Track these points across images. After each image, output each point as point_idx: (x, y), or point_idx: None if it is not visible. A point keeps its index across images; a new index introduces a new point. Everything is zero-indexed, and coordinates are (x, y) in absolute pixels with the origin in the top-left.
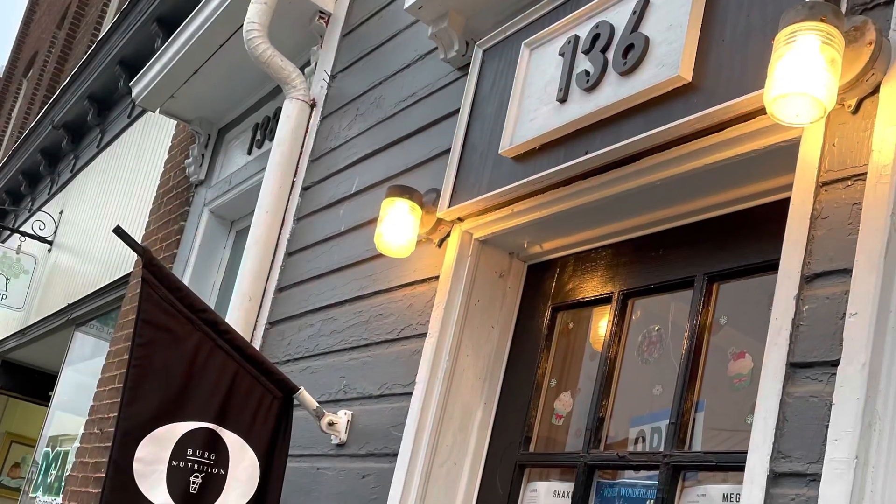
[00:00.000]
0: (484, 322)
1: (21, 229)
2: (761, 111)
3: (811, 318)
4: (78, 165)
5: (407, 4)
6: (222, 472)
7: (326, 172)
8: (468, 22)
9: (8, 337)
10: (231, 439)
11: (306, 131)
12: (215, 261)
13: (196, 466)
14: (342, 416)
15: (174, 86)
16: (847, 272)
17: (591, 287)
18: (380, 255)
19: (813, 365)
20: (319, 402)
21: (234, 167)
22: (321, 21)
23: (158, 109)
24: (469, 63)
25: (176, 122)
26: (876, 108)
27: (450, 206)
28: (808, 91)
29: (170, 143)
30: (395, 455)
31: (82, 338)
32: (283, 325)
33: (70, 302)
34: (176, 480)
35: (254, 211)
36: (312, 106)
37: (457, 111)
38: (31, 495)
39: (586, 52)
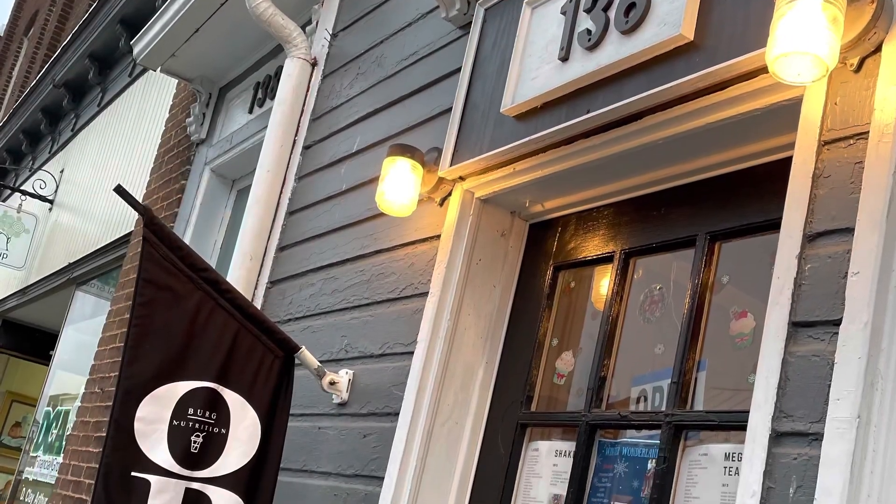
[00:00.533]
0: (485, 281)
1: (22, 188)
2: (763, 70)
3: (813, 277)
4: (79, 124)
5: None
6: (223, 431)
7: (328, 131)
8: None
9: (9, 296)
10: (232, 399)
11: (307, 90)
12: (216, 220)
13: (197, 426)
14: (343, 376)
15: (175, 44)
16: (849, 231)
17: (593, 246)
18: (381, 214)
19: (815, 324)
20: (321, 362)
21: (235, 126)
22: None
23: (159, 68)
24: (471, 22)
25: (177, 80)
26: (878, 66)
27: (451, 165)
28: (810, 50)
29: (171, 102)
30: (397, 414)
31: (83, 297)
32: (285, 285)
33: (71, 261)
34: (177, 439)
35: (255, 170)
36: (314, 65)
37: (458, 70)
38: (31, 454)
39: (588, 11)
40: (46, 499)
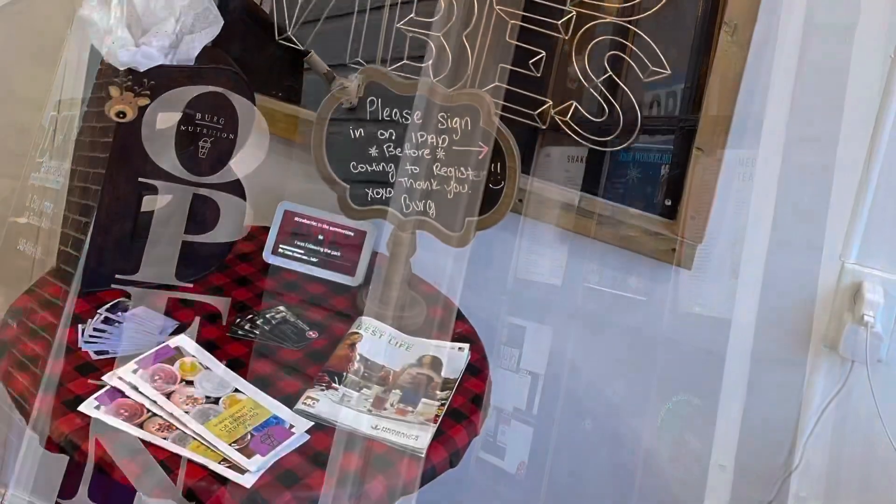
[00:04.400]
0: None
1: None
2: None
3: None
4: None
5: None
6: (231, 137)
7: None
8: None
9: None
10: (241, 103)
11: None
12: None
13: (205, 131)
14: (353, 81)
15: None
16: None
17: None
18: None
19: None
20: (330, 66)
21: None
22: None
23: None
24: None
25: None
26: None
27: None
28: None
29: None
30: None
31: None
32: None
33: None
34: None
35: None
36: None
37: None
38: (37, 160)
39: None
40: (52, 205)
